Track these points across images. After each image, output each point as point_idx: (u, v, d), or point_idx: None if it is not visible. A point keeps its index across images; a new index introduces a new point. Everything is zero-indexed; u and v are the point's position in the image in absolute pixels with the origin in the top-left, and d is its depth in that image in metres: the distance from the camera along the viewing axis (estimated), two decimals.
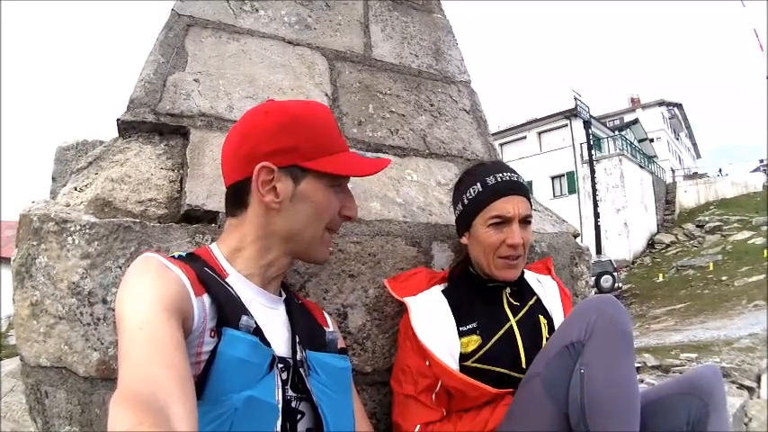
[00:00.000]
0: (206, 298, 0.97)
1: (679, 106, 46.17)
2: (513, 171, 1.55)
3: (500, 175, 1.52)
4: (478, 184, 1.51)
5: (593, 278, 17.25)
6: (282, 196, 1.08)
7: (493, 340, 1.42)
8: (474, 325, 1.44)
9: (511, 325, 1.46)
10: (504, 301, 1.51)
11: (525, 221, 1.49)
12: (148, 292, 0.89)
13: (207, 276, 1.02)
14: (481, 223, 1.50)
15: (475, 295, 1.50)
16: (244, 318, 0.98)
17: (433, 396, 1.40)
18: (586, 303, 1.28)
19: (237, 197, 1.13)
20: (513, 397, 1.32)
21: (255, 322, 1.00)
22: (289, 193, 1.09)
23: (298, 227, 1.11)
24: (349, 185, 1.21)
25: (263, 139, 1.09)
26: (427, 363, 1.40)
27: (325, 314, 1.32)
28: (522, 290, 1.56)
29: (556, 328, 1.48)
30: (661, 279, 20.39)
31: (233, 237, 1.13)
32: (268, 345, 1.00)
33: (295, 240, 1.13)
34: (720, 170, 43.18)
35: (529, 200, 1.53)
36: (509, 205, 1.47)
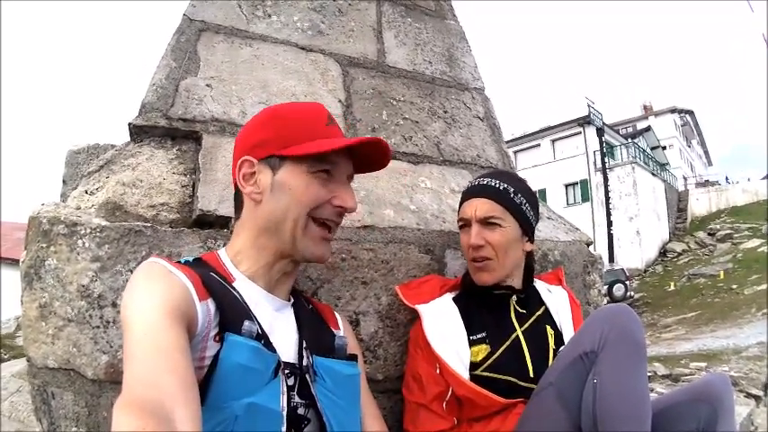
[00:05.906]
0: (210, 303, 0.97)
1: (690, 113, 45.89)
2: (498, 177, 1.51)
3: (477, 180, 1.54)
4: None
5: (606, 287, 17.14)
6: (263, 187, 1.10)
7: (501, 350, 1.41)
8: (483, 334, 1.43)
9: (517, 335, 1.44)
10: (512, 309, 1.49)
11: (488, 223, 1.45)
12: (153, 296, 0.89)
13: (212, 281, 1.01)
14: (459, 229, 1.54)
15: (482, 303, 1.49)
16: (246, 323, 0.98)
17: (444, 404, 1.38)
18: (600, 313, 1.27)
19: (236, 197, 1.17)
20: (524, 406, 1.31)
21: (260, 327, 1.00)
22: (268, 183, 1.09)
23: (278, 215, 1.09)
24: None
25: (246, 135, 1.15)
26: (437, 370, 1.39)
27: (338, 316, 1.31)
28: (530, 299, 1.54)
29: (564, 338, 1.48)
30: (672, 288, 20.20)
31: (236, 239, 1.15)
32: (273, 350, 0.99)
33: (280, 232, 1.09)
34: (727, 177, 42.95)
35: (500, 201, 1.47)
36: (468, 208, 1.49)
